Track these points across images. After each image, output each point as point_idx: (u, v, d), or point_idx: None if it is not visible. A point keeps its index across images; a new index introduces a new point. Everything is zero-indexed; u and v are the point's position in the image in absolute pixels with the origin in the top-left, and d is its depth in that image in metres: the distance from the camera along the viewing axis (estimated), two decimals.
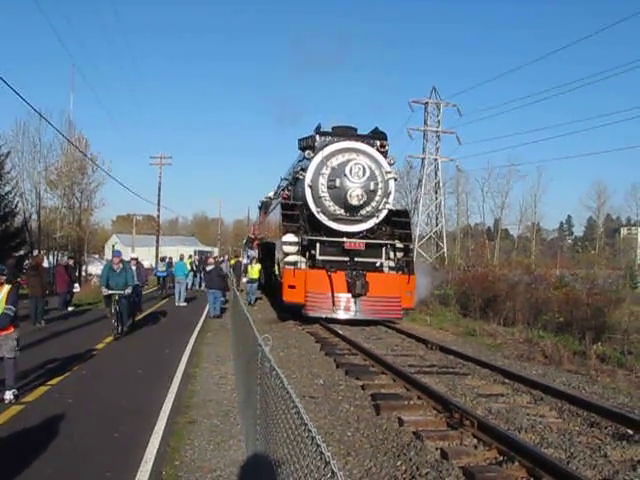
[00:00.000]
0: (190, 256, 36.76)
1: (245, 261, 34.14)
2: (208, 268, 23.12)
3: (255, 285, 25.60)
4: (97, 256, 63.71)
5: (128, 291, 15.24)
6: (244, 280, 27.64)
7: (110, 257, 18.32)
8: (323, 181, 19.02)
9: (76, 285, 24.44)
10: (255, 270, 25.46)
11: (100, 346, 13.77)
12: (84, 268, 44.30)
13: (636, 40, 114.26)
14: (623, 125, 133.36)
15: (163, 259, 32.62)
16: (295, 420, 2.96)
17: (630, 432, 7.80)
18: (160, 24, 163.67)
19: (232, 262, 36.38)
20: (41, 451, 6.45)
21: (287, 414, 3.25)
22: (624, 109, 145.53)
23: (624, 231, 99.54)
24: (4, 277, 8.81)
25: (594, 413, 8.65)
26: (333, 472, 2.17)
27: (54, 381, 9.96)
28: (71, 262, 25.07)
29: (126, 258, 18.33)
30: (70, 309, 21.67)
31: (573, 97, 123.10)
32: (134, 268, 18.17)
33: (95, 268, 45.82)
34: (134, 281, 16.39)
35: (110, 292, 15.13)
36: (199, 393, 9.75)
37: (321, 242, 19.41)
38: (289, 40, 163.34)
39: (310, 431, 2.56)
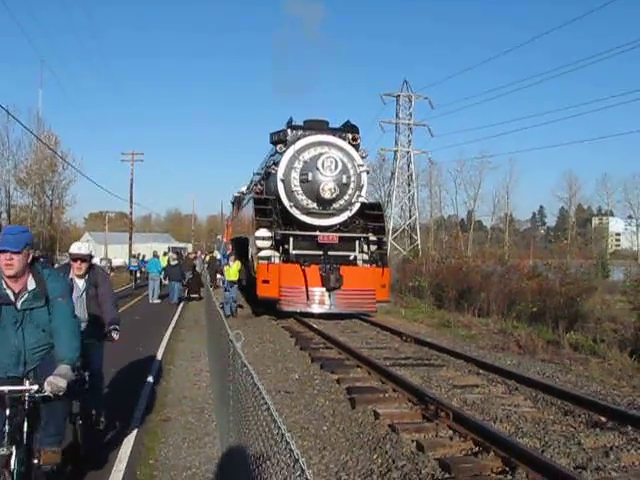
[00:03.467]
0: (165, 253, 36.72)
1: (220, 257, 33.92)
2: (172, 263, 24.78)
3: (234, 289, 20.34)
4: None
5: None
6: (219, 277, 26.97)
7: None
8: (295, 175, 18.97)
9: None
10: (234, 270, 20.17)
11: None
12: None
13: (606, 31, 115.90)
14: (593, 115, 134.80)
15: (134, 256, 37.44)
16: (266, 417, 2.92)
17: (603, 419, 7.88)
18: (130, 20, 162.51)
19: (207, 258, 36.18)
20: None
21: (258, 411, 3.21)
22: (594, 99, 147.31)
23: (595, 221, 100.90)
24: None
25: (568, 402, 8.72)
26: (302, 469, 2.14)
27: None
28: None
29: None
30: None
31: (544, 88, 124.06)
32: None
33: None
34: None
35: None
36: (174, 390, 9.63)
37: (294, 236, 19.35)
38: (261, 32, 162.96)
39: (280, 428, 2.52)
